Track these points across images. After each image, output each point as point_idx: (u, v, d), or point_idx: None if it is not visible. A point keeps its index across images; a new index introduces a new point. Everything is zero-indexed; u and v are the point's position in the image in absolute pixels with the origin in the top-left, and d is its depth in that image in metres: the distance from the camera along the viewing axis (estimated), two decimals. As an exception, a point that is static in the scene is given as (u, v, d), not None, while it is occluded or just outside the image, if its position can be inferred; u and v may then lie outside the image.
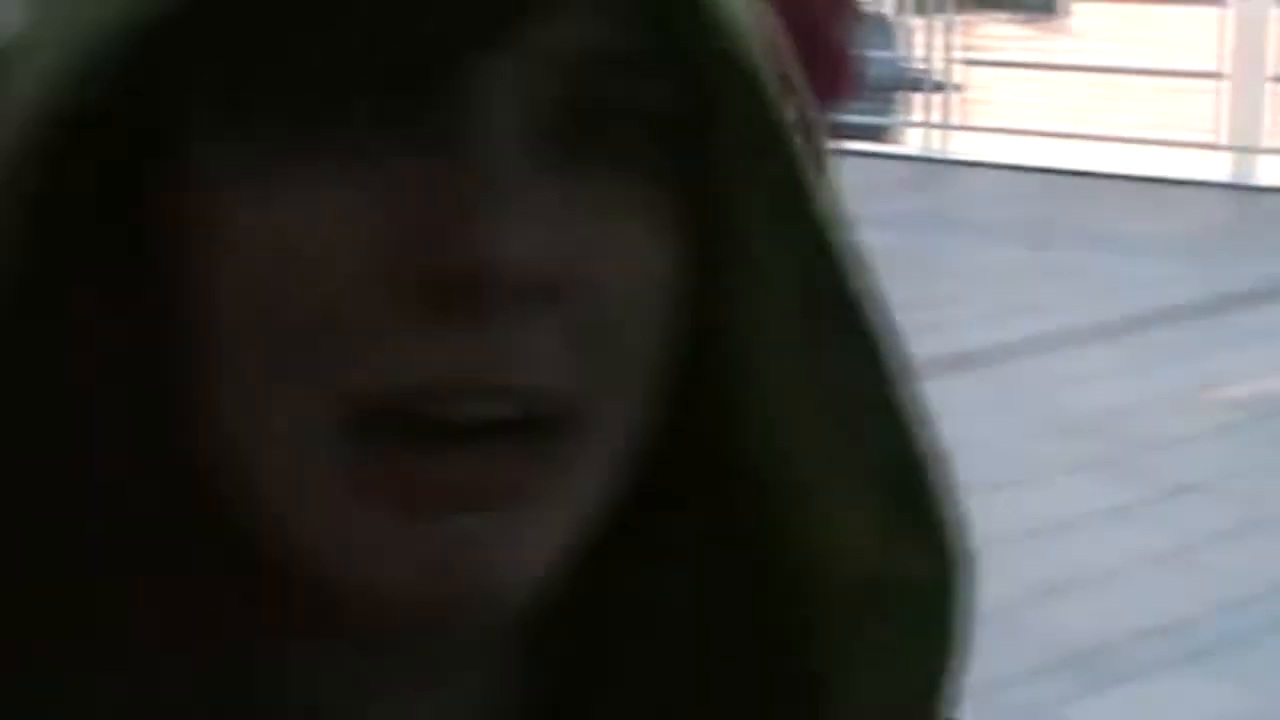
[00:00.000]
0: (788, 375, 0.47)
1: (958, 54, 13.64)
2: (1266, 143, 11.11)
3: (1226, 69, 11.48)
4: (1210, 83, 11.70)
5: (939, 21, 13.27)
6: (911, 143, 12.83)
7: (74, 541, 0.44)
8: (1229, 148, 11.29)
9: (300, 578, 0.43)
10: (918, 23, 13.59)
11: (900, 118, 13.37)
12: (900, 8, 14.26)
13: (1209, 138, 11.57)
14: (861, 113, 8.78)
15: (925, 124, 12.53)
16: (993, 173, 11.24)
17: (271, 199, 0.41)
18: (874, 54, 8.97)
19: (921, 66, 12.98)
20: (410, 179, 0.40)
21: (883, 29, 12.47)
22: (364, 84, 0.41)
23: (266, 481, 0.42)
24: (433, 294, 0.40)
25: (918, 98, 12.91)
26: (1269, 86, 11.35)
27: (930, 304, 6.84)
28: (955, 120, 12.72)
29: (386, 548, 0.41)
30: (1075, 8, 27.12)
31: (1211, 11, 12.11)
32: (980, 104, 13.95)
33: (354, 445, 0.41)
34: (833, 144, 6.05)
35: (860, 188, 6.71)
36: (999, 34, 20.89)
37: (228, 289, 0.41)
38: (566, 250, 0.41)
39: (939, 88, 12.38)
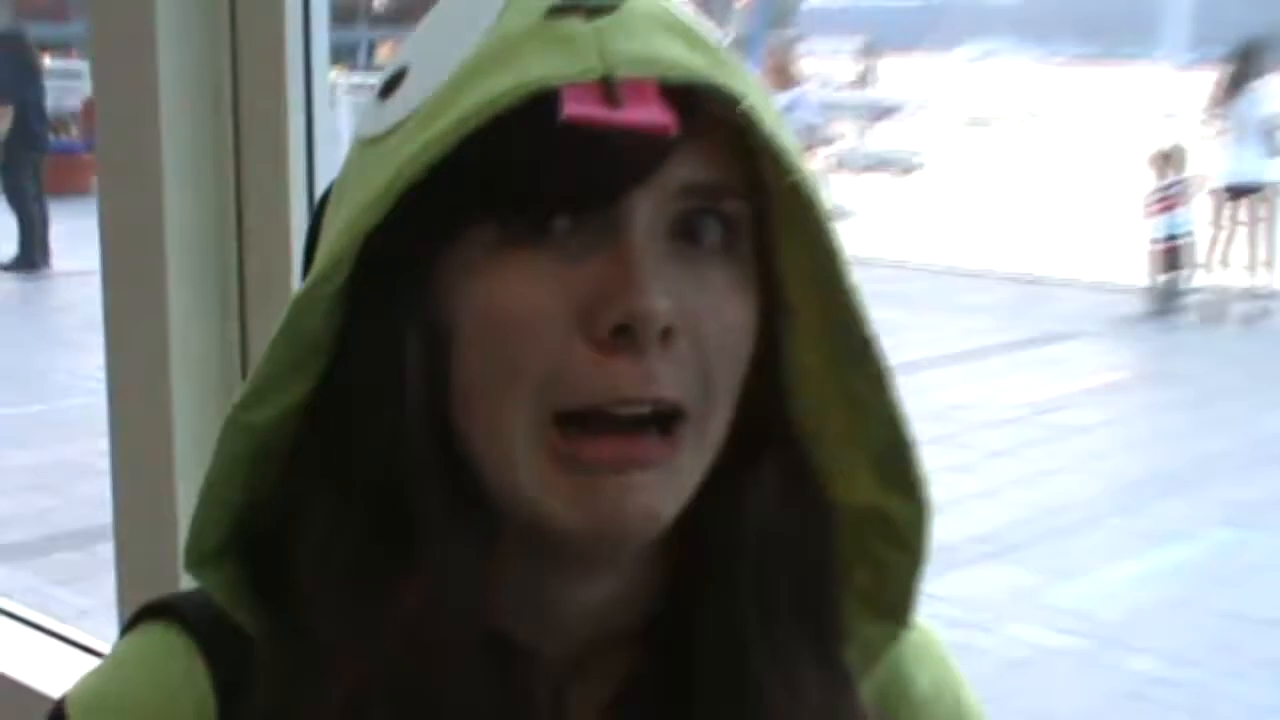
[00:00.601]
0: (820, 384, 0.75)
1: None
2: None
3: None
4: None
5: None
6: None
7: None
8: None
9: (523, 520, 0.70)
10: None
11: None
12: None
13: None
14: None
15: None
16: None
17: (508, 278, 0.67)
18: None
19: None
20: (593, 264, 0.67)
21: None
22: (565, 206, 0.67)
23: (507, 460, 0.69)
24: (607, 338, 0.66)
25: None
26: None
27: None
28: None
29: (578, 497, 0.68)
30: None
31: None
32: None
33: (559, 435, 0.68)
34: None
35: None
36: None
37: (480, 338, 0.68)
38: (685, 308, 0.68)
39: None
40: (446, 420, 0.70)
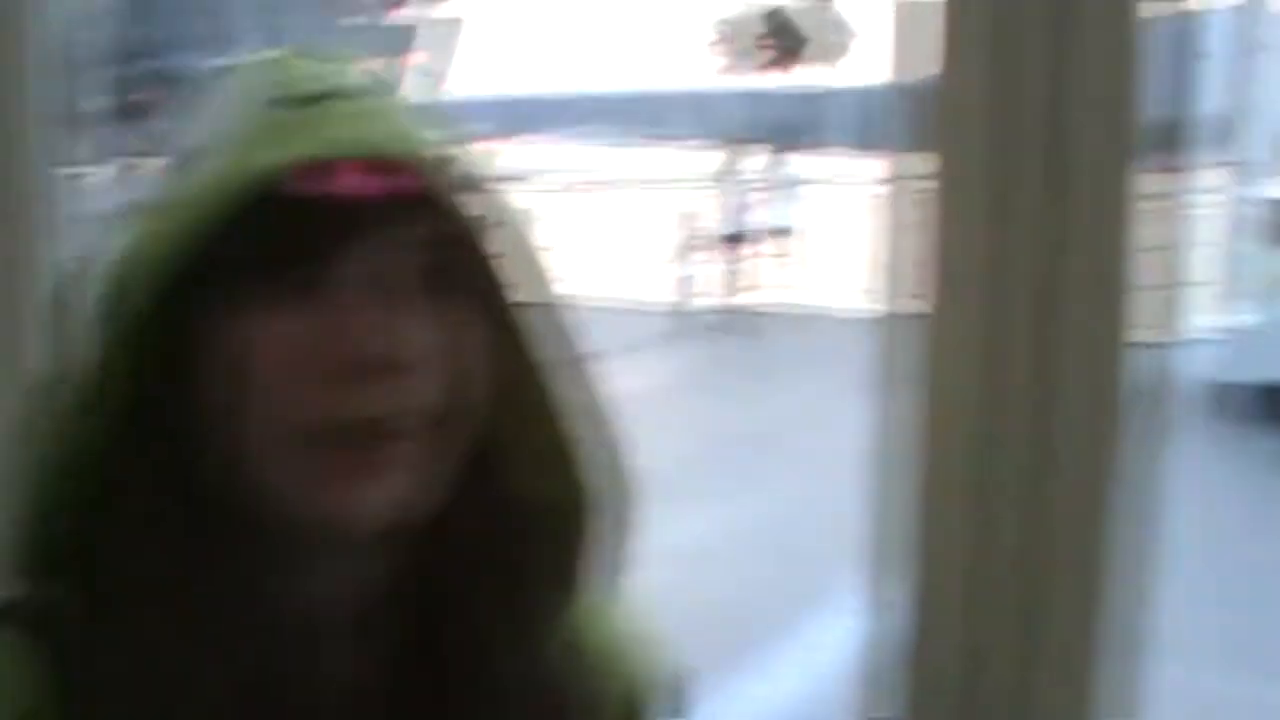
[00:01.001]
0: (507, 394, 0.85)
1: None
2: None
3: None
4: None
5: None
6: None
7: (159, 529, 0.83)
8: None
9: (280, 520, 0.82)
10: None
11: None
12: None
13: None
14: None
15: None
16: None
17: (269, 329, 0.79)
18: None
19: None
20: (328, 308, 0.78)
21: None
22: (303, 265, 0.79)
23: (267, 471, 0.80)
24: (349, 370, 0.78)
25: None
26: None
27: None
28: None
29: (330, 497, 0.80)
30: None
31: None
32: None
33: (312, 447, 0.79)
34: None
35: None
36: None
37: (244, 380, 0.79)
38: (419, 344, 0.79)
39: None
40: (229, 442, 0.81)
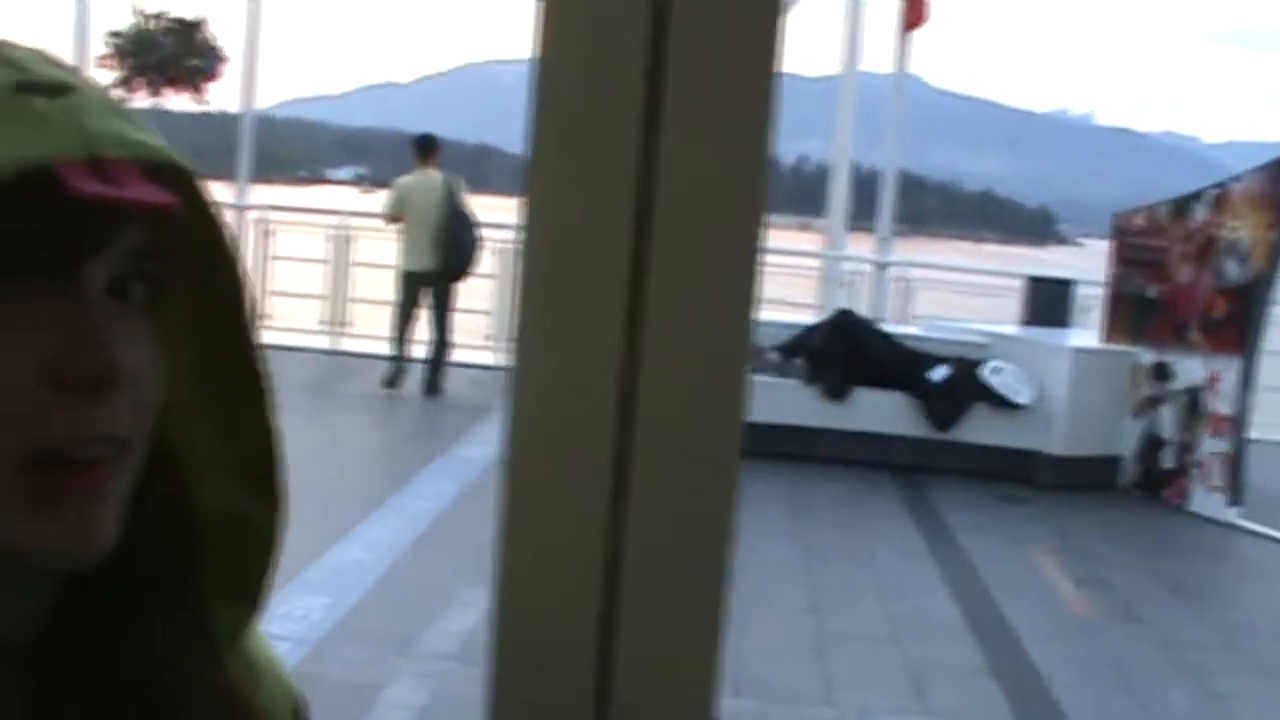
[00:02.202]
0: (189, 406, 0.84)
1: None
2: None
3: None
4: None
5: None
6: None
7: None
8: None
9: None
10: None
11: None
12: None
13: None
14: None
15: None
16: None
17: None
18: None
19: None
20: (57, 323, 0.72)
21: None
22: (33, 272, 0.72)
23: None
24: (74, 388, 0.72)
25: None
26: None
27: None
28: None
29: (48, 530, 0.74)
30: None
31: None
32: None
33: (26, 479, 0.72)
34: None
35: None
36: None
37: None
38: (130, 355, 0.74)
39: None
40: None
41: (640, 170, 1.06)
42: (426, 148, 12.92)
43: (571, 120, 1.06)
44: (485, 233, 12.85)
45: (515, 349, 1.09)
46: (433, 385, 12.92)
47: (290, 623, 6.37)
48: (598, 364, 1.10)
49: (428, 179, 12.62)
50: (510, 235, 15.20)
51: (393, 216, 12.76)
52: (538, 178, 1.08)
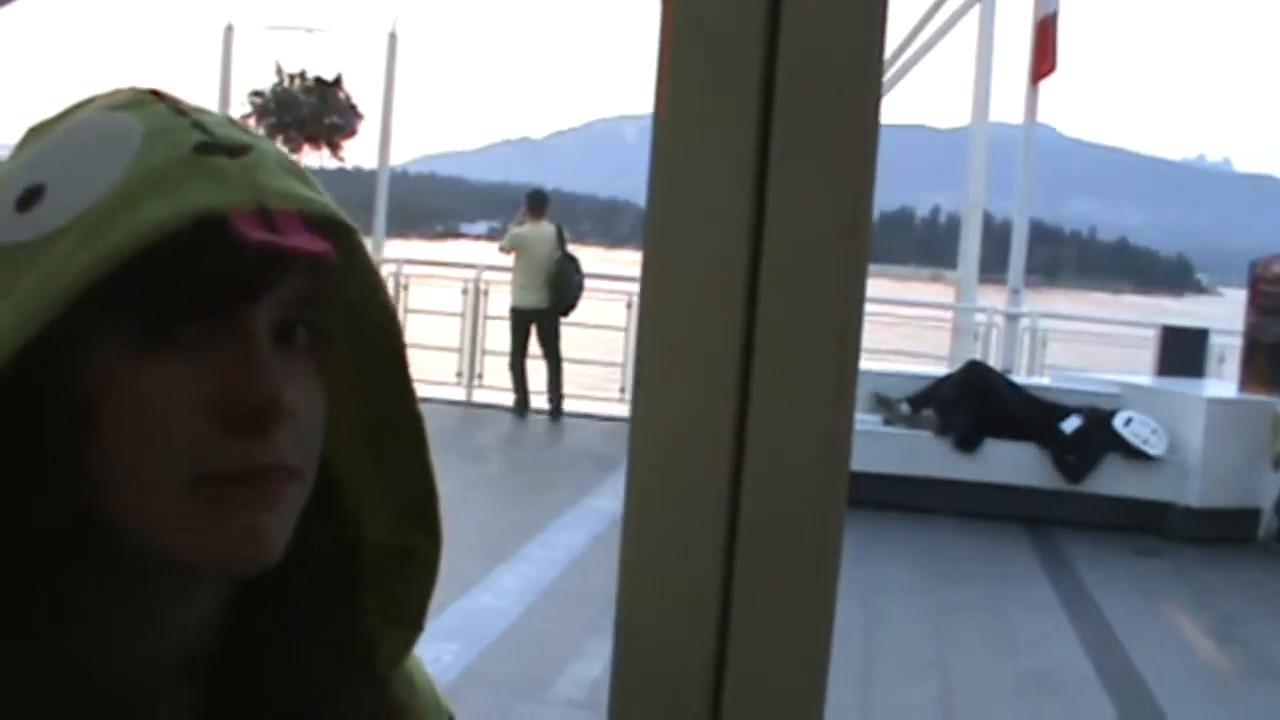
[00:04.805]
0: (351, 447, 0.92)
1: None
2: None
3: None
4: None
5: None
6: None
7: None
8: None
9: (148, 558, 0.81)
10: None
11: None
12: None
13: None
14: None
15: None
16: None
17: (151, 375, 0.79)
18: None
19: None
20: (222, 360, 0.79)
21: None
22: (202, 314, 0.80)
23: (150, 512, 0.80)
24: (240, 421, 0.79)
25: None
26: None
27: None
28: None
29: (222, 536, 0.80)
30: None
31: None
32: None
33: (202, 491, 0.79)
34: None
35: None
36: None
37: (126, 422, 0.79)
38: (292, 395, 0.80)
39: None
40: (79, 487, 0.80)
41: (752, 225, 1.11)
42: (537, 201, 14.14)
43: (687, 176, 1.12)
44: (617, 285, 13.34)
45: (634, 400, 1.14)
46: (556, 409, 14.15)
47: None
48: (713, 413, 1.14)
49: (539, 229, 13.83)
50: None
51: (511, 248, 14.01)
52: (655, 231, 1.13)
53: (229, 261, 0.79)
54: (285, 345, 0.83)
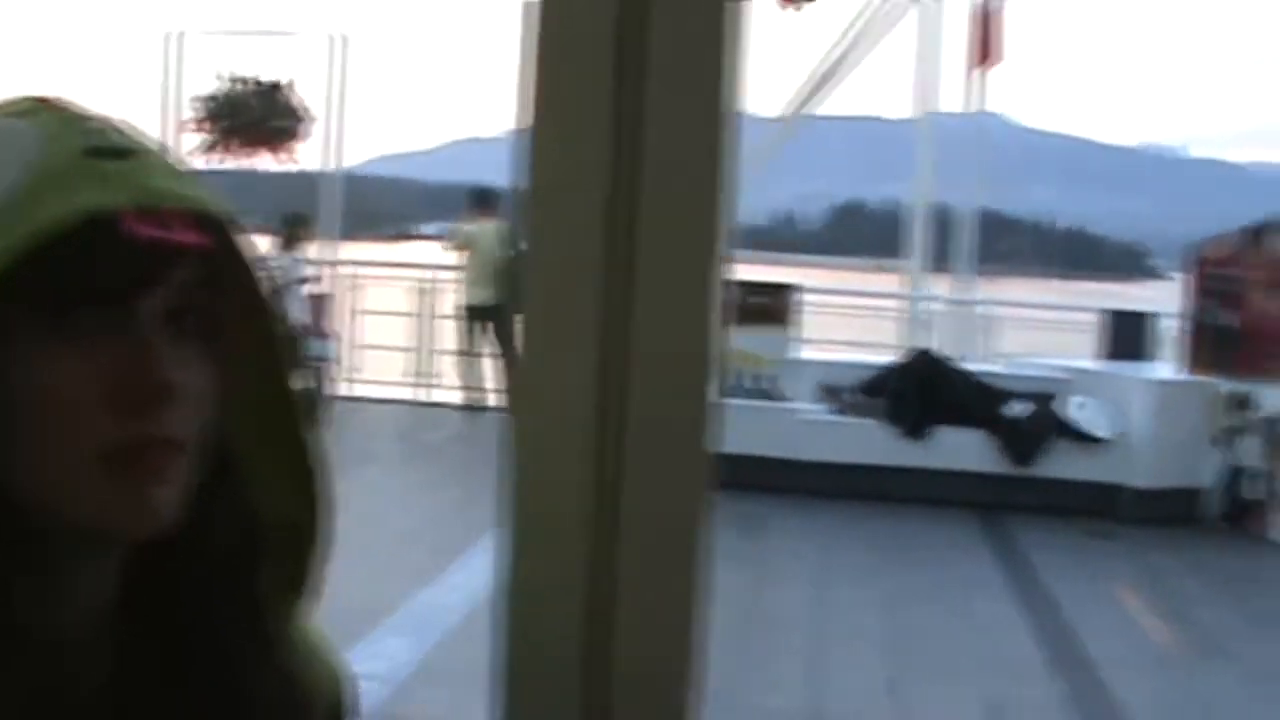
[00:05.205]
0: (251, 428, 0.99)
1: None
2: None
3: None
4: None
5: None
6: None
7: None
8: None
9: (54, 527, 0.91)
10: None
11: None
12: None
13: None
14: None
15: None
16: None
17: (54, 363, 0.87)
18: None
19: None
20: (116, 350, 0.87)
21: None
22: (99, 303, 0.87)
23: (63, 490, 0.89)
24: (153, 398, 0.88)
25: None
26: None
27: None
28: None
29: (127, 506, 0.89)
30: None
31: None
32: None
33: (107, 465, 0.88)
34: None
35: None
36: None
37: (35, 408, 0.87)
38: (182, 378, 0.89)
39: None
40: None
41: (610, 229, 1.17)
42: (482, 199, 14.23)
43: (554, 191, 1.18)
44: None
45: (510, 398, 1.19)
46: None
47: (377, 662, 6.52)
48: (581, 402, 1.20)
49: (486, 226, 13.90)
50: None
51: (458, 246, 14.14)
52: (533, 234, 1.19)
53: (120, 257, 0.87)
54: (177, 331, 0.90)
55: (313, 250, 14.30)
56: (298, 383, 1.00)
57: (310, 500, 1.01)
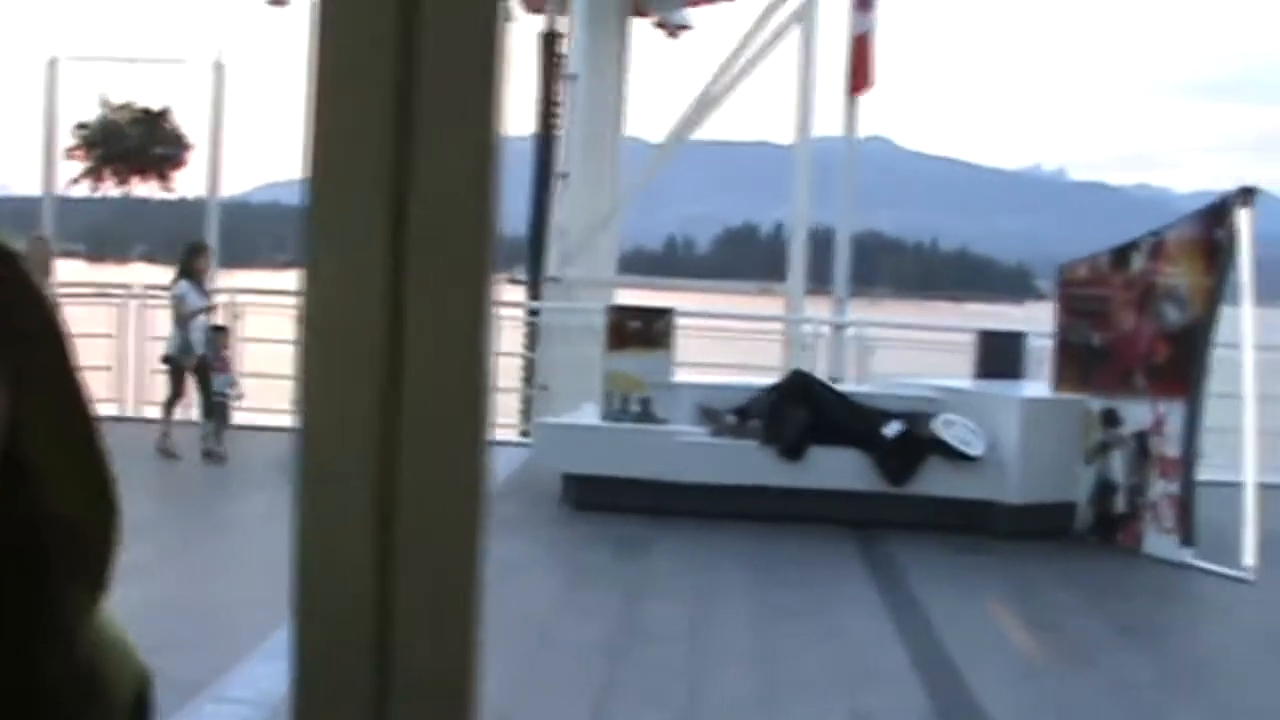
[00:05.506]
0: (45, 438, 1.06)
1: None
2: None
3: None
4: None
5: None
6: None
7: None
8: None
9: None
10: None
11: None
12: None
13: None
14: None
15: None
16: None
17: None
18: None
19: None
20: None
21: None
22: None
23: None
24: None
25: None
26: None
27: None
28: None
29: None
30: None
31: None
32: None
33: None
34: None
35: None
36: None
37: None
38: None
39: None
40: None
41: (392, 229, 1.25)
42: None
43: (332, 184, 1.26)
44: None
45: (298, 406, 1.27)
46: None
47: (250, 688, 6.54)
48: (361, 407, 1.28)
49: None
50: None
51: None
52: (308, 244, 1.27)
53: None
54: None
55: (213, 279, 14.12)
56: (85, 402, 1.07)
57: (101, 503, 1.08)
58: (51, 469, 1.07)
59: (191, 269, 13.73)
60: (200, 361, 13.71)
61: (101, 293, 16.74)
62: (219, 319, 14.27)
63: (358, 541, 1.26)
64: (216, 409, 13.72)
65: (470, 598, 1.30)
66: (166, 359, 13.88)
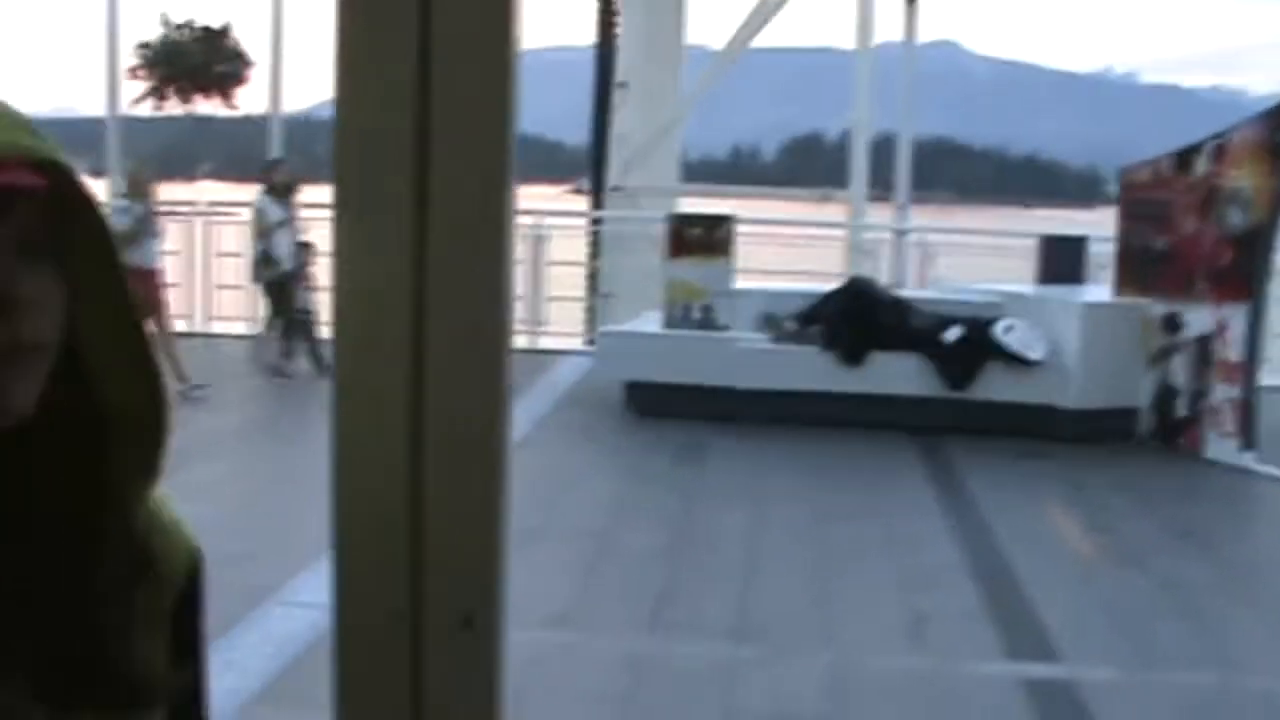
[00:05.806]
0: (100, 335, 1.14)
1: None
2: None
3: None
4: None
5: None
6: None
7: None
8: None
9: None
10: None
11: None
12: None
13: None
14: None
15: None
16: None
17: None
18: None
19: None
20: None
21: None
22: None
23: None
24: None
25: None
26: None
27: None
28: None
29: None
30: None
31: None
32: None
33: None
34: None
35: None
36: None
37: None
38: (27, 291, 1.06)
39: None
40: None
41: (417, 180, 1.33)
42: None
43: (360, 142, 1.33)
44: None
45: (335, 339, 1.34)
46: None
47: (316, 593, 6.71)
48: (395, 337, 1.36)
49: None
50: (532, 222, 15.49)
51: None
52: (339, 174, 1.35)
53: None
54: (28, 256, 1.07)
55: (298, 192, 14.03)
56: (131, 301, 1.15)
57: (155, 396, 1.17)
58: (106, 364, 1.15)
59: (278, 185, 13.72)
60: (284, 276, 13.59)
61: (170, 210, 16.91)
62: (306, 236, 13.95)
63: (392, 441, 1.36)
64: (299, 326, 13.59)
65: (494, 488, 1.39)
66: (258, 277, 13.84)
